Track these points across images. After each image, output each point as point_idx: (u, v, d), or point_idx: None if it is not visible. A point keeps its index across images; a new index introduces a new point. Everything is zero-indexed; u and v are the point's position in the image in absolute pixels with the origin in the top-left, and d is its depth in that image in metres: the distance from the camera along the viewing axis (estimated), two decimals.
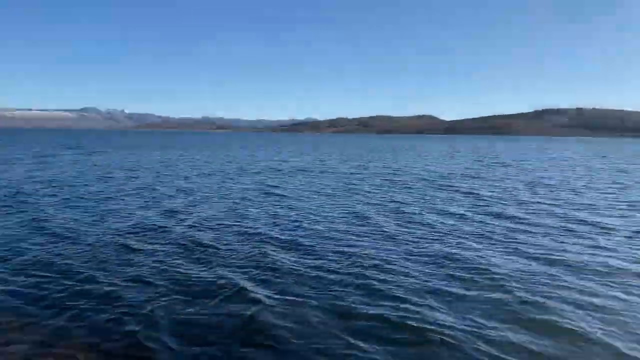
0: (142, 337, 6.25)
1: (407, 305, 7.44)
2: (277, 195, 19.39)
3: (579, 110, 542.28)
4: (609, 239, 12.00)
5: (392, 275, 8.89)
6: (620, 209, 16.77)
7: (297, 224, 13.49)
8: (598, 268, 9.47)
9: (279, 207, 16.31)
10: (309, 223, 13.56)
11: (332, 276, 8.81)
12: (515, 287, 8.29)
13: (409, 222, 14.01)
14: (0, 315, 6.79)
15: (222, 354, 5.93)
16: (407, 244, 11.33)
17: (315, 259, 9.89)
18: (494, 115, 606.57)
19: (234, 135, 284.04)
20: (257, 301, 7.49)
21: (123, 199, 17.33)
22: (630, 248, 11.14)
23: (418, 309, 7.30)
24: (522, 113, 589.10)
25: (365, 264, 9.51)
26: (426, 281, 8.61)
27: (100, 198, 17.46)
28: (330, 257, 10.04)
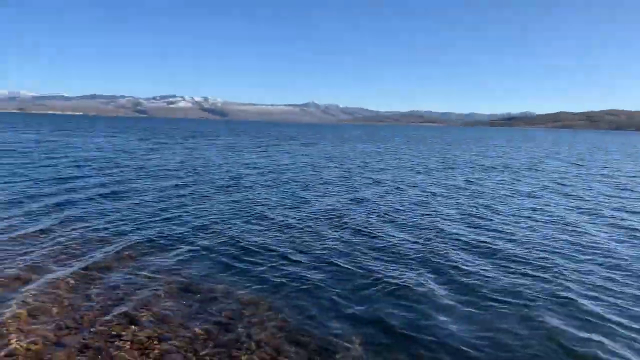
0: (321, 316, 6.52)
1: (623, 331, 6.31)
2: (473, 192, 18.31)
3: None
4: None
5: (599, 293, 7.62)
6: None
7: (489, 224, 12.49)
8: None
9: (472, 205, 15.32)
10: (503, 225, 12.42)
11: (523, 281, 8.02)
12: None
13: (634, 237, 11.76)
14: (206, 280, 7.73)
15: (404, 345, 5.83)
16: (626, 262, 9.47)
17: (505, 263, 9.03)
18: None
19: (440, 129, 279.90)
20: (439, 299, 7.22)
21: (323, 187, 18.40)
22: None
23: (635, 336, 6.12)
24: None
25: (566, 277, 8.31)
26: None
27: (304, 185, 18.86)
28: (522, 264, 9.04)
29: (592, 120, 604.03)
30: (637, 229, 12.22)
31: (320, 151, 41.09)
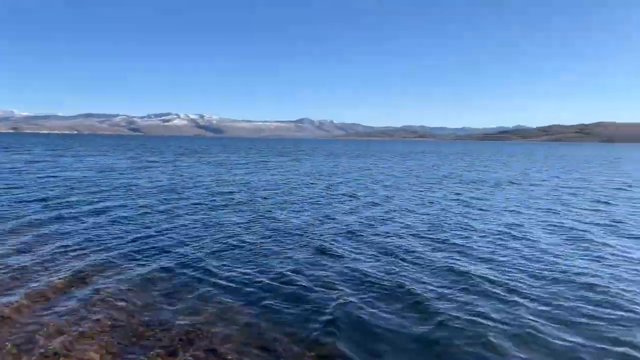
0: (321, 337, 6.53)
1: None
2: (479, 208, 18.18)
3: None
4: None
5: (620, 313, 7.61)
6: None
7: (500, 241, 12.41)
8: None
9: (480, 221, 15.23)
10: (514, 242, 12.36)
11: (521, 299, 8.01)
12: None
13: (631, 245, 12.08)
14: (205, 303, 7.69)
15: None
16: (618, 267, 9.75)
17: (508, 277, 9.09)
18: None
19: (432, 144, 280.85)
20: (438, 313, 7.32)
21: (328, 204, 18.37)
22: None
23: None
24: None
25: (586, 297, 8.29)
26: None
27: (308, 202, 18.83)
28: (523, 275, 9.21)
29: (584, 133, 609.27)
30: (597, 242, 12.33)
31: (307, 167, 41.13)
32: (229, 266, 9.69)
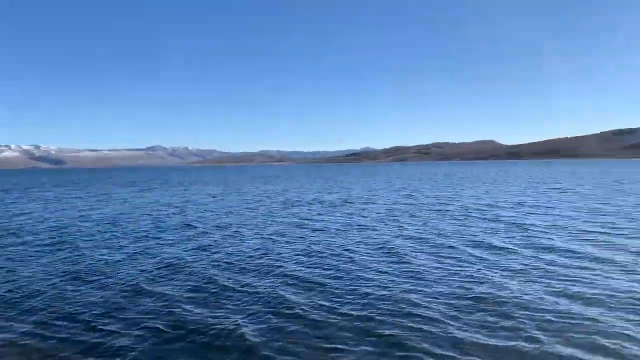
0: None
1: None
2: (313, 229, 18.70)
3: None
4: None
5: (417, 320, 8.14)
6: None
7: (325, 261, 12.77)
8: None
9: (310, 243, 15.60)
10: (338, 261, 12.79)
11: (333, 316, 8.24)
12: (540, 334, 7.39)
13: (445, 256, 13.10)
14: None
15: None
16: (438, 282, 10.43)
17: (333, 303, 9.12)
18: (559, 139, 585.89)
19: (286, 168, 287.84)
20: (244, 341, 7.25)
21: (158, 237, 17.28)
22: None
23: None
24: (591, 135, 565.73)
25: (390, 309, 8.69)
26: (452, 326, 7.85)
27: (137, 237, 17.53)
28: (348, 299, 9.33)
29: (422, 152, 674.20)
30: (448, 255, 13.36)
31: (161, 197, 38.73)
32: (22, 320, 8.54)
